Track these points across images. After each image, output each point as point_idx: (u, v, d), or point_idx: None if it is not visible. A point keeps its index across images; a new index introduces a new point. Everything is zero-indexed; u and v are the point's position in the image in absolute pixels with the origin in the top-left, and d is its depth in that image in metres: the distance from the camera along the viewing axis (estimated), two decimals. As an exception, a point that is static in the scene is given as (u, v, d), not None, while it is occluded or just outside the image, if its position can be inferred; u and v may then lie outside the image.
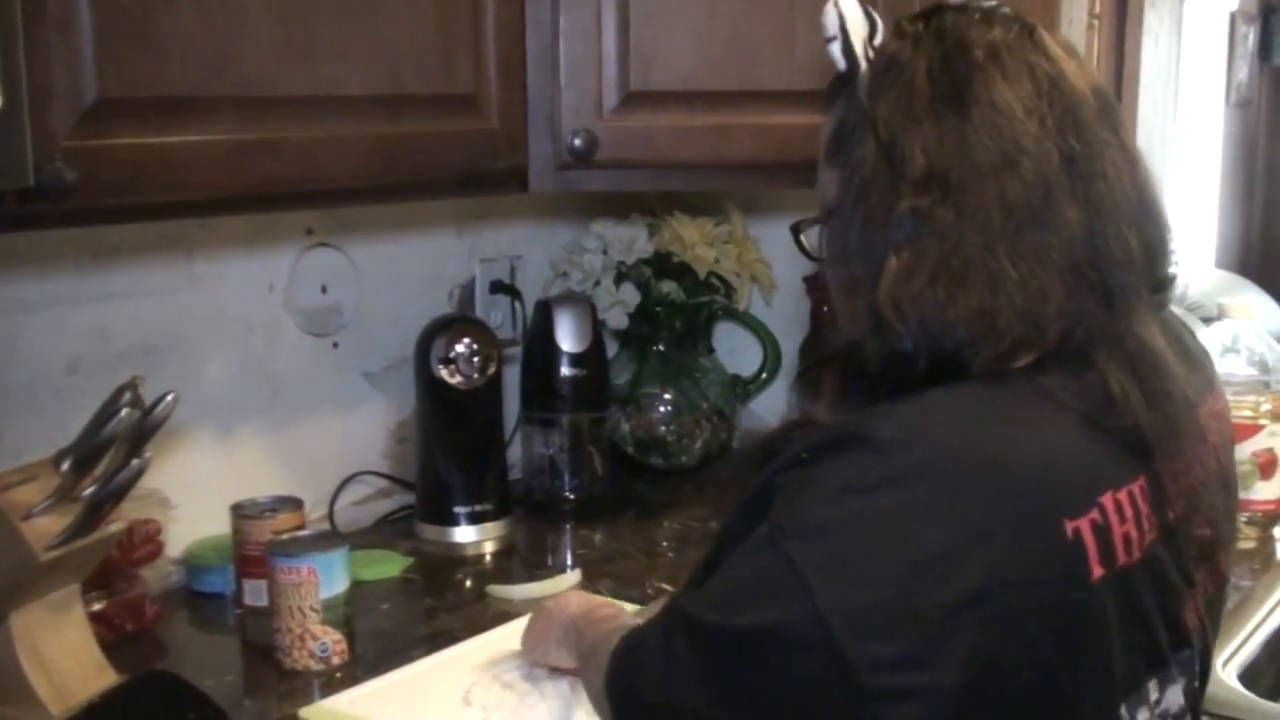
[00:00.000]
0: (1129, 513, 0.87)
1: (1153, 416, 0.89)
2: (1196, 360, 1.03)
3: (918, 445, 0.84)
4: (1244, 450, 1.66)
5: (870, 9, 0.99)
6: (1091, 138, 0.91)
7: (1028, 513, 0.82)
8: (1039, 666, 0.82)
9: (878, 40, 0.97)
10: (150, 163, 1.11)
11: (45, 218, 1.05)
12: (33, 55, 0.98)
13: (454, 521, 1.72)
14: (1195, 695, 0.98)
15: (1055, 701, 0.84)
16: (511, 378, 1.86)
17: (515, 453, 1.90)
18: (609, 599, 1.21)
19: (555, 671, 1.24)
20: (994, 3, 0.98)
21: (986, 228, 0.87)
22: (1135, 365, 0.89)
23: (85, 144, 1.05)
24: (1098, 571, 0.84)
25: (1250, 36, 5.06)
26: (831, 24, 0.97)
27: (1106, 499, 0.86)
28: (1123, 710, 0.89)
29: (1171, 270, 0.96)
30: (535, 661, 1.27)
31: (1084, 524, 0.83)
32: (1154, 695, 0.91)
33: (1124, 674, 0.88)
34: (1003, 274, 0.87)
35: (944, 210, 0.88)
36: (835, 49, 0.97)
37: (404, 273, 1.83)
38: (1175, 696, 0.94)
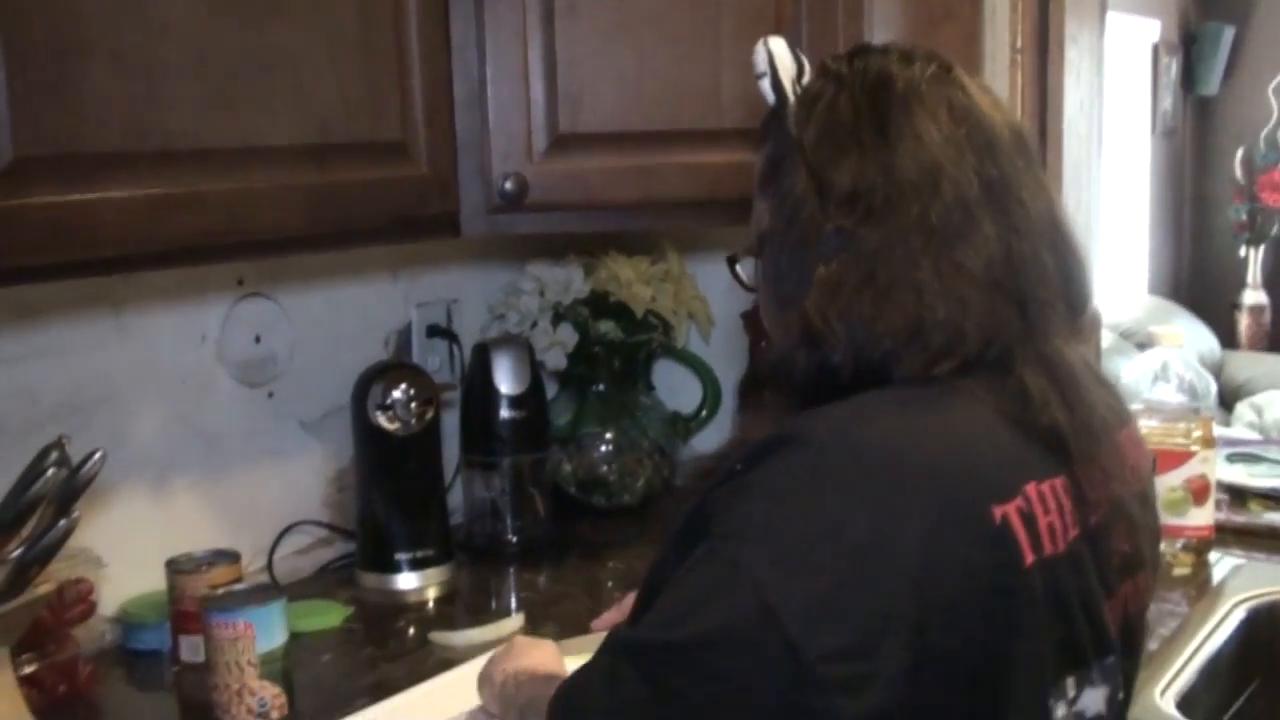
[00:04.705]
0: (1052, 504, 0.90)
1: (1070, 419, 0.93)
2: (1111, 387, 1.06)
3: (848, 440, 0.87)
4: (1176, 477, 1.68)
5: (797, 51, 1.04)
6: (1007, 165, 0.96)
7: (957, 498, 0.86)
8: (976, 650, 0.85)
9: (805, 80, 1.03)
10: (70, 221, 1.09)
11: (-37, 278, 1.04)
12: (-54, 116, 0.97)
13: (395, 568, 1.71)
14: (1117, 709, 0.99)
15: (990, 686, 0.86)
16: (451, 422, 1.86)
17: (456, 497, 1.89)
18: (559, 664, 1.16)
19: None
20: (912, 46, 1.03)
21: (910, 245, 0.92)
22: (1052, 373, 0.94)
23: (3, 204, 1.04)
24: (1029, 558, 0.87)
25: (1173, 67, 5.17)
26: (761, 61, 1.03)
27: (1031, 488, 0.89)
28: (1049, 701, 0.90)
29: (1084, 296, 1.00)
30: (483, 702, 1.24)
31: (1011, 510, 0.87)
32: (1071, 692, 0.93)
33: (1050, 665, 0.90)
34: (926, 287, 0.91)
35: (868, 230, 0.93)
36: (765, 84, 1.03)
37: (339, 320, 1.82)
38: (1094, 701, 0.95)
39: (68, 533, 1.17)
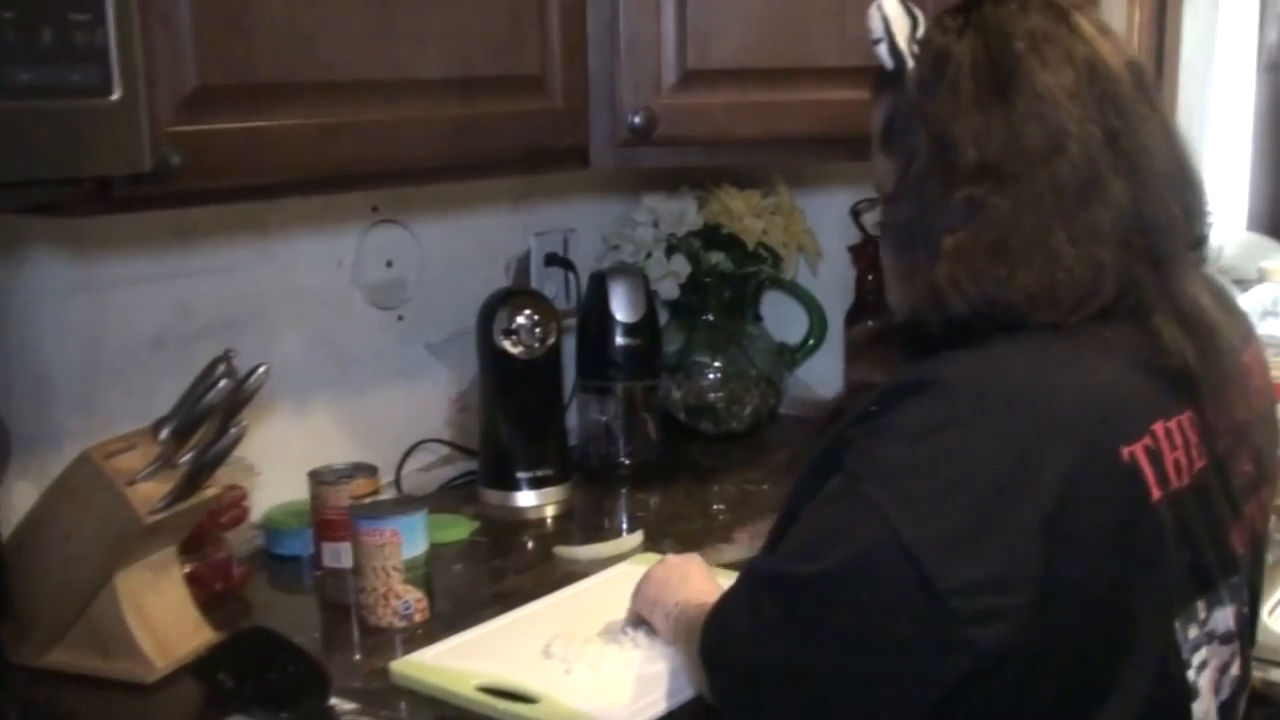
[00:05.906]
0: (1179, 440, 0.94)
1: (1203, 365, 0.95)
2: (1235, 311, 1.09)
3: (981, 384, 0.90)
4: (1285, 411, 1.70)
5: (910, 4, 1.03)
6: (1130, 114, 0.97)
7: (1086, 439, 0.89)
8: (1105, 582, 0.89)
9: (920, 34, 1.02)
10: (245, 146, 1.17)
11: (153, 199, 1.11)
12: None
13: (516, 486, 1.78)
14: (1245, 622, 1.04)
15: (1118, 616, 0.91)
16: (567, 347, 1.92)
17: (571, 420, 1.96)
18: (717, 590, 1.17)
19: (633, 628, 1.30)
20: None
21: (1040, 210, 0.93)
22: (1187, 322, 0.96)
23: (187, 129, 1.11)
24: (1155, 493, 0.91)
25: (1283, 0, 5.05)
26: (877, 27, 1.02)
27: (1158, 427, 0.93)
28: (1176, 625, 0.95)
29: (1206, 228, 1.02)
30: (636, 610, 1.30)
31: (1138, 449, 0.91)
32: (1202, 614, 0.98)
33: (1177, 592, 0.95)
34: (1060, 252, 0.93)
35: (998, 198, 0.94)
36: (882, 50, 1.03)
37: (463, 247, 1.88)
38: (1224, 619, 1.00)
39: (236, 441, 1.25)
